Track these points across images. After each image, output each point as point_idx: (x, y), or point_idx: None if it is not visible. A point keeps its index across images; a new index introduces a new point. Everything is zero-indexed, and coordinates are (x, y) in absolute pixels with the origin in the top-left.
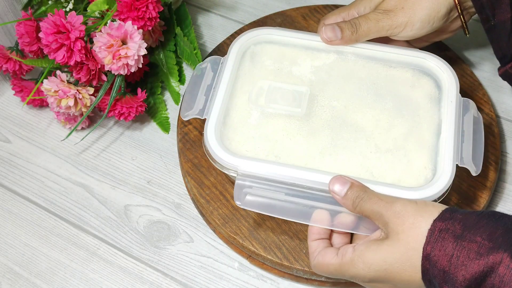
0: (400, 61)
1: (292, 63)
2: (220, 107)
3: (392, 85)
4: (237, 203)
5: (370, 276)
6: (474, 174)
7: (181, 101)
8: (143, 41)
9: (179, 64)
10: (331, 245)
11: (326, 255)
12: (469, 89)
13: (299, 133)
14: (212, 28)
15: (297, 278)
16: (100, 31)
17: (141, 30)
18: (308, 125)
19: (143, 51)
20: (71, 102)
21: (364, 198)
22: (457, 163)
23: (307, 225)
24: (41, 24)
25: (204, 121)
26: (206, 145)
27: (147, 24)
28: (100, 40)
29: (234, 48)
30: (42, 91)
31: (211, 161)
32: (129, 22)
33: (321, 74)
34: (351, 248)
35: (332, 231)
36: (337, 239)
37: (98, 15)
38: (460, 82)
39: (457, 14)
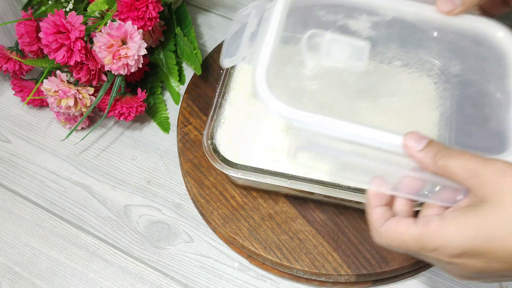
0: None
1: (348, 16)
2: (270, 55)
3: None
4: (292, 161)
5: (464, 246)
6: None
7: (224, 46)
8: (143, 41)
9: (179, 64)
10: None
11: (400, 223)
12: None
13: (355, 89)
14: (212, 28)
15: (297, 278)
16: (100, 31)
17: (141, 30)
18: (366, 82)
19: (143, 51)
20: (71, 102)
21: (450, 153)
22: None
23: (307, 226)
24: (41, 24)
25: (204, 121)
26: (258, 94)
27: (147, 24)
28: (100, 40)
29: None
30: (42, 91)
31: (264, 115)
32: (129, 22)
33: (381, 31)
34: (436, 217)
35: (392, 203)
36: (399, 208)
37: (98, 15)
38: None
39: None
